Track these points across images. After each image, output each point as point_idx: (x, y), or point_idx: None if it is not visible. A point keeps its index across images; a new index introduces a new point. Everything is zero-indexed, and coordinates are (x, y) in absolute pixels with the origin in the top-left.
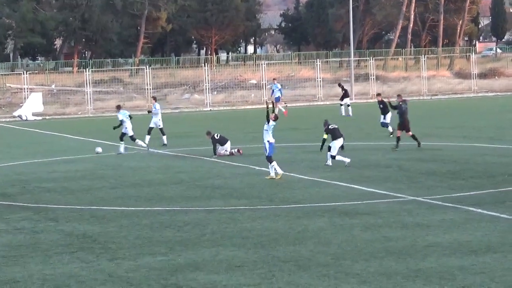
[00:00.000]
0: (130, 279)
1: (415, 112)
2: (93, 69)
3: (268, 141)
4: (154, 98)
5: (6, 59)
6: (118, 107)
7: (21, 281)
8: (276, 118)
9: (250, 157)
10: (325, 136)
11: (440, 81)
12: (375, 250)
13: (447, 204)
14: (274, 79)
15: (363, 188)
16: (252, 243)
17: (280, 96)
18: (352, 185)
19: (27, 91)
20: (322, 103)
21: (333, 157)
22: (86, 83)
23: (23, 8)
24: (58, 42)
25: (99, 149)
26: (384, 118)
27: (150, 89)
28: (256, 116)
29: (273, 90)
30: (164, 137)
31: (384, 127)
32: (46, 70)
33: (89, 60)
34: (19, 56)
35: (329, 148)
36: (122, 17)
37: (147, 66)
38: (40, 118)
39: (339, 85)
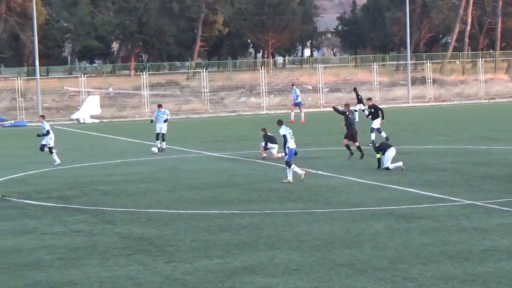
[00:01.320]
0: (186, 281)
1: (473, 115)
2: (150, 72)
3: (288, 147)
4: (160, 106)
5: (64, 62)
6: (43, 117)
7: (79, 283)
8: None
9: (306, 161)
10: (378, 155)
11: (497, 84)
12: (432, 254)
13: (504, 208)
14: (293, 84)
15: (420, 192)
16: (309, 246)
17: (301, 101)
18: (409, 189)
19: (85, 94)
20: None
21: (387, 168)
22: (143, 86)
23: (80, 12)
24: (115, 46)
25: (154, 149)
26: (375, 123)
27: (207, 92)
28: (312, 119)
29: (296, 96)
30: (164, 143)
31: (372, 132)
32: (103, 73)
33: (146, 63)
34: (76, 59)
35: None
36: (179, 20)
37: (204, 69)
38: (97, 121)
39: (354, 90)
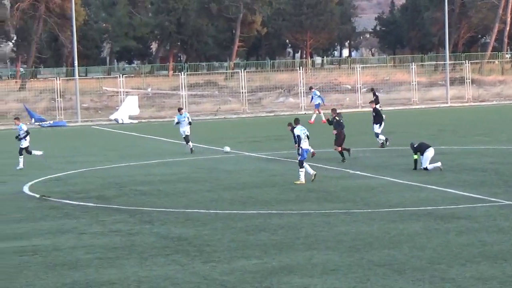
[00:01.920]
0: (224, 282)
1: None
2: (188, 73)
3: (301, 147)
4: (180, 109)
5: (102, 62)
6: (17, 119)
7: (117, 282)
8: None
9: (344, 161)
10: (415, 156)
11: None
12: (470, 254)
13: None
14: (311, 88)
15: (459, 192)
16: (347, 246)
17: (320, 103)
18: (448, 189)
19: (123, 95)
20: (417, 106)
21: (425, 169)
22: (182, 87)
23: (119, 13)
24: (153, 46)
25: (227, 148)
26: (376, 127)
27: (245, 92)
28: (350, 120)
29: (312, 97)
30: (190, 144)
31: (377, 137)
32: (141, 73)
33: (184, 64)
34: (115, 60)
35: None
36: (217, 20)
37: (242, 70)
38: (136, 121)
39: (372, 90)
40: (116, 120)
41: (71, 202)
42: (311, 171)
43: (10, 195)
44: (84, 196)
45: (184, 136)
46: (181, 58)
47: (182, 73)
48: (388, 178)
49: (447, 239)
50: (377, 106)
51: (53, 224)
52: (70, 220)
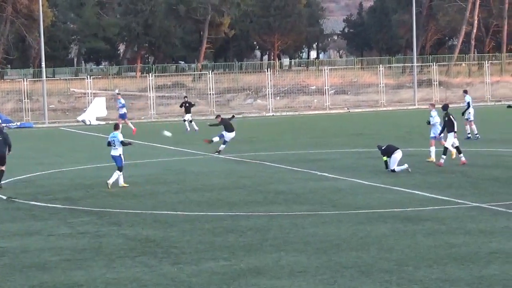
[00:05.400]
0: (192, 283)
1: (479, 118)
2: (156, 74)
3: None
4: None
5: (70, 63)
6: None
7: (84, 284)
8: None
9: (312, 163)
10: (384, 158)
11: (504, 87)
12: (438, 256)
13: (510, 210)
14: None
15: (426, 194)
16: (315, 248)
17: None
18: (415, 191)
19: (91, 96)
20: (385, 108)
21: (393, 171)
22: (149, 88)
23: (86, 13)
24: (121, 47)
25: (167, 133)
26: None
27: (213, 94)
28: (318, 121)
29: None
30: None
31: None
32: (109, 75)
33: (152, 65)
34: (83, 61)
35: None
36: (185, 22)
37: (210, 71)
38: (103, 122)
39: None
40: (83, 121)
41: (38, 203)
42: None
43: None
44: (52, 197)
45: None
46: (149, 60)
47: (150, 74)
48: (356, 180)
49: (414, 241)
50: None
51: (20, 226)
52: (38, 222)
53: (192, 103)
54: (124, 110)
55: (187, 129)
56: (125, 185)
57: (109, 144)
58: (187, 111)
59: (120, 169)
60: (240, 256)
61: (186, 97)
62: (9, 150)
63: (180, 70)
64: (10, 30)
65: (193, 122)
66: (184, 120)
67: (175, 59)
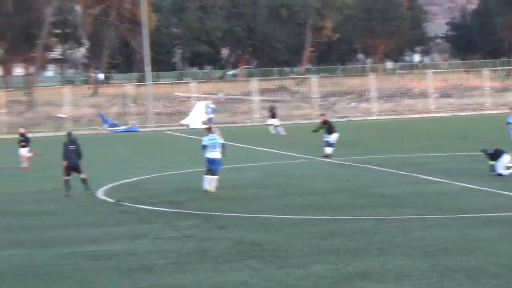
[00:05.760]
0: (299, 287)
1: None
2: (259, 78)
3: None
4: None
5: (173, 68)
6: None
7: (190, 287)
8: None
9: (416, 166)
10: (491, 162)
11: None
12: None
13: None
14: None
15: None
16: (421, 252)
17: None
18: None
19: (195, 100)
20: (490, 112)
21: (500, 174)
22: (253, 92)
23: (189, 18)
24: (224, 51)
25: (187, 122)
26: (329, 138)
27: (317, 98)
28: (422, 124)
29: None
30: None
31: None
32: (213, 79)
33: (255, 69)
34: (186, 65)
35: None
36: (287, 26)
37: (313, 75)
38: (208, 126)
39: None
40: (187, 125)
41: (144, 207)
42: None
43: (84, 200)
44: (157, 201)
45: None
46: (252, 64)
47: (253, 78)
48: (461, 184)
49: None
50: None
51: (127, 229)
52: (144, 225)
53: (276, 108)
54: (212, 115)
55: (274, 133)
56: (214, 190)
57: (204, 147)
58: (273, 116)
59: (216, 172)
60: (347, 260)
61: (272, 102)
62: (80, 159)
63: (283, 74)
64: (114, 35)
65: (279, 127)
66: (269, 125)
67: (278, 63)
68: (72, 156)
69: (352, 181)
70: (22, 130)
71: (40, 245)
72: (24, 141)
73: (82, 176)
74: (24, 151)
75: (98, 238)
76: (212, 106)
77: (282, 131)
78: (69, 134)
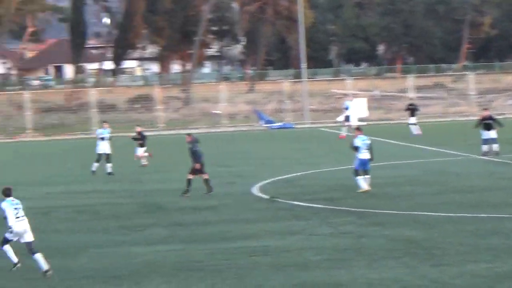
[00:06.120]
0: (454, 286)
1: None
2: (416, 75)
3: (358, 157)
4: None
5: (330, 64)
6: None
7: (345, 284)
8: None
9: None
10: None
11: None
12: None
13: None
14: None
15: None
16: None
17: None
18: None
19: (351, 97)
20: None
21: None
22: (409, 89)
23: (346, 14)
24: (381, 48)
25: (218, 111)
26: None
27: (474, 94)
28: None
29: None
30: (109, 165)
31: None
32: (369, 75)
33: (412, 66)
34: (342, 62)
35: None
36: (444, 22)
37: (471, 72)
38: (364, 123)
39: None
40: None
41: (299, 203)
42: (364, 186)
43: (239, 196)
44: (312, 197)
45: (101, 153)
46: (409, 60)
47: (410, 75)
48: None
49: None
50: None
51: (282, 225)
52: (299, 221)
53: (417, 107)
54: (347, 113)
55: (412, 132)
56: (368, 188)
57: (356, 148)
58: (412, 114)
59: (369, 172)
60: (504, 259)
61: (411, 99)
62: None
63: (440, 70)
64: (271, 32)
65: (417, 126)
66: (409, 124)
67: (434, 60)
68: (200, 157)
69: (509, 179)
70: (139, 129)
71: (196, 240)
72: (142, 139)
73: (205, 176)
74: (140, 151)
75: (253, 234)
76: (347, 103)
77: (417, 129)
78: (191, 136)
